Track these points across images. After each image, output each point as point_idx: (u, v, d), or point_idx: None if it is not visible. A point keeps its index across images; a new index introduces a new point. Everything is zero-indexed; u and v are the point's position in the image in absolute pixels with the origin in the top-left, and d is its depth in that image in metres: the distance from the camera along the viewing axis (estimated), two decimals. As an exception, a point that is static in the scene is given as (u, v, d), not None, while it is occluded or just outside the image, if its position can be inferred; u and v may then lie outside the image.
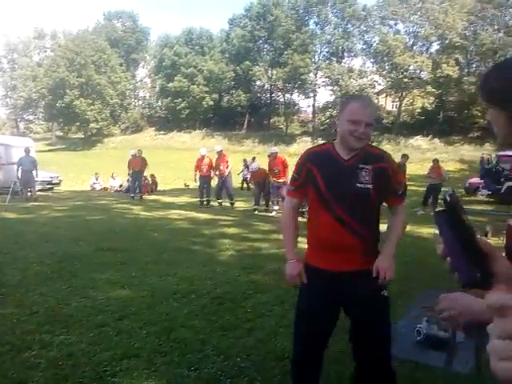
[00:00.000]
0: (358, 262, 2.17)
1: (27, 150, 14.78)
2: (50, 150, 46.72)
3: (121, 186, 19.28)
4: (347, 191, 2.13)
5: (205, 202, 13.19)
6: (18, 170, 14.42)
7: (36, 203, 13.40)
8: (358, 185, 2.12)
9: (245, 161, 19.75)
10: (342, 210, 2.14)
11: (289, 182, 2.36)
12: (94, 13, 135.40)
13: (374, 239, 2.29)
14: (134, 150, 16.22)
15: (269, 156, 11.82)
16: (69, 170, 27.35)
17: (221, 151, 12.92)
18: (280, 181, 11.33)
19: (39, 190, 16.03)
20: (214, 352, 3.31)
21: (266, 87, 54.06)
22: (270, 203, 12.01)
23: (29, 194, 14.52)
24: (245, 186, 19.96)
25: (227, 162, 12.85)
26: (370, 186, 2.13)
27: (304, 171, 2.27)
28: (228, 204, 13.10)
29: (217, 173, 12.79)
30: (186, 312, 4.10)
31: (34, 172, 14.53)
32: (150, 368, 3.06)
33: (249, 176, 15.97)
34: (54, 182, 19.53)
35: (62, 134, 57.75)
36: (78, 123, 51.66)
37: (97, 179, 20.72)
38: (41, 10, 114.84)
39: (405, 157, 13.12)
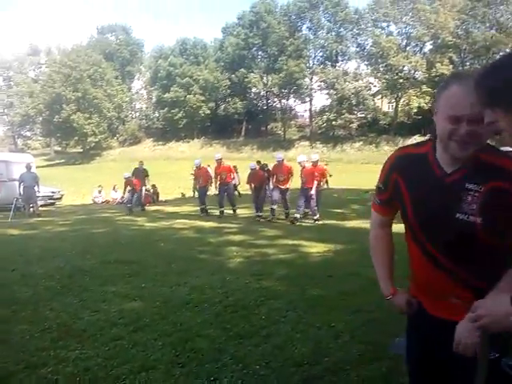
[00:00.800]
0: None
1: (28, 166, 14.79)
2: (48, 166, 46.75)
3: (122, 197, 19.25)
4: (441, 223, 1.46)
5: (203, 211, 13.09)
6: (19, 187, 14.41)
7: (39, 218, 13.37)
8: (458, 215, 1.42)
9: (234, 167, 19.99)
10: (436, 249, 1.52)
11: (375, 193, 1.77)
12: (88, 28, 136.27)
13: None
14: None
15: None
16: (69, 184, 27.34)
17: (220, 159, 12.86)
18: (283, 187, 11.30)
19: (41, 206, 16.01)
20: (232, 361, 3.27)
21: (261, 94, 54.32)
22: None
23: (31, 209, 14.49)
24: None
25: (232, 171, 12.97)
26: (476, 220, 1.40)
27: (391, 182, 1.63)
28: (230, 211, 13.01)
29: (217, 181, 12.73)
30: (200, 321, 4.06)
31: (35, 188, 14.52)
32: (169, 380, 3.02)
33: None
34: (55, 196, 19.54)
35: (60, 148, 57.93)
36: (76, 137, 51.88)
37: (99, 192, 20.70)
38: (34, 27, 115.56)
39: None
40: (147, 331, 3.85)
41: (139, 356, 3.39)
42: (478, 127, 1.32)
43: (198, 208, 13.27)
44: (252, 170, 12.25)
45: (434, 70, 40.49)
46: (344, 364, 3.13)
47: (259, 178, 12.09)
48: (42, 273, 5.94)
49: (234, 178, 12.94)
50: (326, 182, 23.86)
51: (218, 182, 12.64)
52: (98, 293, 5.00)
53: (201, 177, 13.29)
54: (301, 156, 12.48)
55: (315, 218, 11.01)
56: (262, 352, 3.40)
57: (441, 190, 1.46)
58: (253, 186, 12.02)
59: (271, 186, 12.06)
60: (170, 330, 3.87)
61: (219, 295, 4.83)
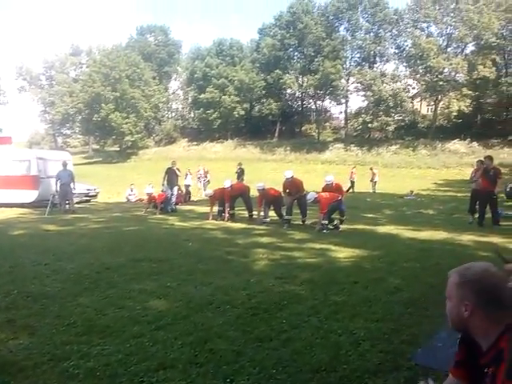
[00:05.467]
0: None
1: (65, 164, 15.27)
2: (87, 163, 48.12)
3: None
4: None
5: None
6: (56, 184, 14.89)
7: (74, 215, 13.77)
8: None
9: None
10: None
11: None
12: (128, 28, 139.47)
13: None
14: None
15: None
16: (105, 182, 28.07)
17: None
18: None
19: (77, 203, 16.49)
20: (249, 363, 3.26)
21: (296, 95, 54.15)
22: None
23: (67, 206, 14.94)
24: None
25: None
26: None
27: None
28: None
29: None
30: (221, 322, 4.08)
31: (71, 185, 14.96)
32: (186, 379, 3.05)
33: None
34: (91, 194, 20.07)
35: (98, 147, 59.52)
36: (113, 136, 53.12)
37: (132, 190, 21.11)
38: (76, 28, 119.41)
39: (489, 159, 11.18)
40: (168, 330, 3.90)
41: (159, 354, 3.44)
42: None
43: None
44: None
45: (476, 72, 39.22)
46: (362, 373, 3.07)
47: (271, 194, 11.66)
48: (72, 268, 6.11)
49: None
50: (351, 187, 23.78)
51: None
52: (124, 290, 5.10)
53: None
54: (329, 176, 11.68)
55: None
56: (280, 356, 3.38)
57: None
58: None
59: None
60: (191, 329, 3.91)
61: (242, 297, 4.83)
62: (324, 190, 11.08)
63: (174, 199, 15.24)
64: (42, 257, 6.88)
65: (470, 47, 43.17)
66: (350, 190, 23.76)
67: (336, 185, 11.28)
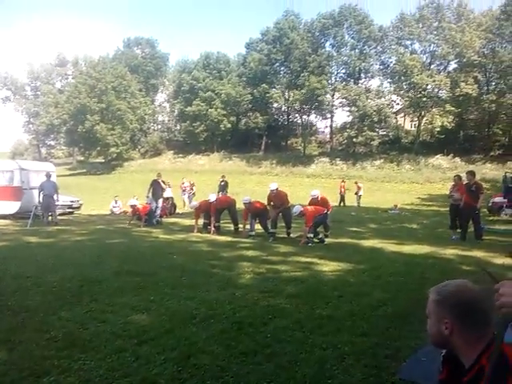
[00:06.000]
0: None
1: (48, 175, 15.09)
2: (71, 175, 47.64)
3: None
4: None
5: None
6: (39, 195, 14.68)
7: (57, 227, 13.56)
8: None
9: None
10: None
11: None
12: (114, 40, 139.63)
13: None
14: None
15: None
16: (89, 193, 27.79)
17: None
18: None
19: (60, 214, 16.26)
20: (233, 379, 3.22)
21: (283, 109, 54.59)
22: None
23: (49, 218, 14.72)
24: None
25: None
26: None
27: None
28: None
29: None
30: (205, 337, 4.03)
31: (55, 196, 14.77)
32: (169, 395, 3.00)
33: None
34: (74, 206, 19.80)
35: (82, 158, 59.00)
36: (98, 148, 52.73)
37: (116, 202, 20.91)
38: (63, 39, 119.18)
39: (470, 174, 11.13)
40: (151, 344, 3.84)
41: (141, 369, 3.38)
42: None
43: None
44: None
45: (459, 89, 40.06)
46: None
47: (257, 207, 11.67)
48: (53, 281, 6.00)
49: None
50: (342, 201, 24.02)
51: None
52: (107, 304, 5.02)
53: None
54: (314, 191, 11.80)
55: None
56: (265, 371, 3.35)
57: None
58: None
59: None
60: (174, 344, 3.85)
61: (227, 311, 4.79)
62: (310, 204, 11.12)
63: (158, 211, 15.12)
64: (23, 269, 6.75)
65: (453, 65, 44.20)
66: (341, 204, 23.97)
67: (322, 198, 11.33)
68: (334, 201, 11.55)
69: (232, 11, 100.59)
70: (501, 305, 1.31)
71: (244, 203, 11.62)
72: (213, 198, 12.26)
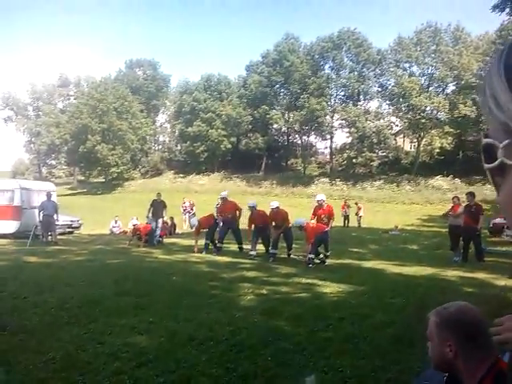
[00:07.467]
0: None
1: (49, 195, 15.10)
2: (71, 194, 47.63)
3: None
4: None
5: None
6: (39, 214, 14.67)
7: (56, 247, 13.50)
8: None
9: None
10: None
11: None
12: (116, 61, 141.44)
13: None
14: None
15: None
16: (89, 213, 27.69)
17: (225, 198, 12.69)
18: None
19: (60, 234, 16.21)
20: (233, 402, 3.18)
21: (283, 130, 54.92)
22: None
23: (49, 237, 14.67)
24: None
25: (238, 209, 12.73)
26: None
27: None
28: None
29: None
30: (205, 359, 3.98)
31: (55, 216, 14.75)
32: (168, 419, 2.94)
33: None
34: (74, 225, 19.77)
35: (83, 178, 59.02)
36: (99, 167, 52.80)
37: (116, 222, 20.87)
38: (65, 59, 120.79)
39: (471, 196, 11.10)
40: (150, 367, 3.80)
41: (140, 393, 3.33)
42: None
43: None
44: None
45: (457, 110, 40.39)
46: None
47: (261, 216, 11.68)
48: (52, 302, 5.95)
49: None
50: (346, 221, 24.02)
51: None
52: (105, 325, 4.97)
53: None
54: (320, 195, 12.05)
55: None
56: (265, 395, 3.30)
57: None
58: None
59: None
60: (174, 366, 3.81)
61: (226, 333, 4.74)
62: (316, 210, 11.17)
63: (158, 231, 15.08)
64: (21, 289, 6.70)
65: (451, 87, 44.57)
66: (346, 224, 23.94)
67: (328, 206, 11.35)
68: (336, 221, 11.63)
69: (233, 33, 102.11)
70: (506, 340, 1.29)
71: (249, 206, 11.66)
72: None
